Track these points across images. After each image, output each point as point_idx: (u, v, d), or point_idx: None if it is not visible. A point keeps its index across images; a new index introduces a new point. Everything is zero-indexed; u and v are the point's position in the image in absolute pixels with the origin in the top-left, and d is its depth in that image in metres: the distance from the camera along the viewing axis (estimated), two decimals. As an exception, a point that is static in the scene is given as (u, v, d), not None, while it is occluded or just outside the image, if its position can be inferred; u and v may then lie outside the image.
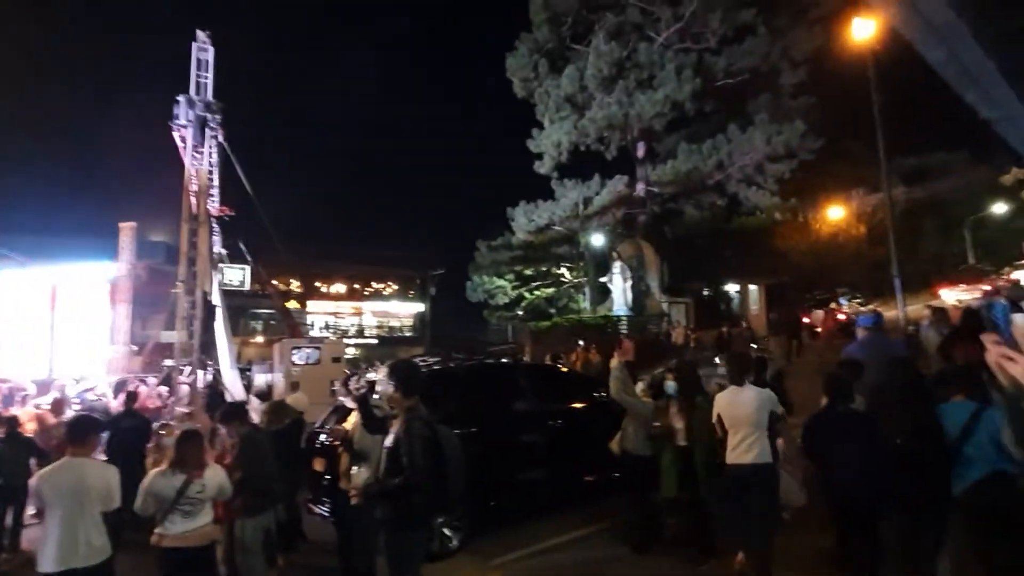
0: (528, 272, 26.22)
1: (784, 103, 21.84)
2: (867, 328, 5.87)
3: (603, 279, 22.11)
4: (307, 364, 12.39)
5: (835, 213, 27.05)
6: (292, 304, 36.35)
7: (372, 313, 42.77)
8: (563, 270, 26.49)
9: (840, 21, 15.51)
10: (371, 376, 10.74)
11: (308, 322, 37.98)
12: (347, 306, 41.80)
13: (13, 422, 6.13)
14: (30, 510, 5.79)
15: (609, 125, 21.70)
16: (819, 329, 18.20)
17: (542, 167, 23.88)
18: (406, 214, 60.82)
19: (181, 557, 3.65)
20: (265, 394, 10.14)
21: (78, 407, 8.87)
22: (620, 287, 20.67)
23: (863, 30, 10.90)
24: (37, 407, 7.89)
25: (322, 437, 5.91)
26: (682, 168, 21.73)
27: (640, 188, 23.21)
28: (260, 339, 31.08)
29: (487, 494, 5.58)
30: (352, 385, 7.23)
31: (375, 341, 40.80)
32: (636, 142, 23.22)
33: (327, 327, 39.85)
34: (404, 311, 43.64)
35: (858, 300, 23.01)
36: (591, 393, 7.08)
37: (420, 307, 43.39)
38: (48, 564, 3.28)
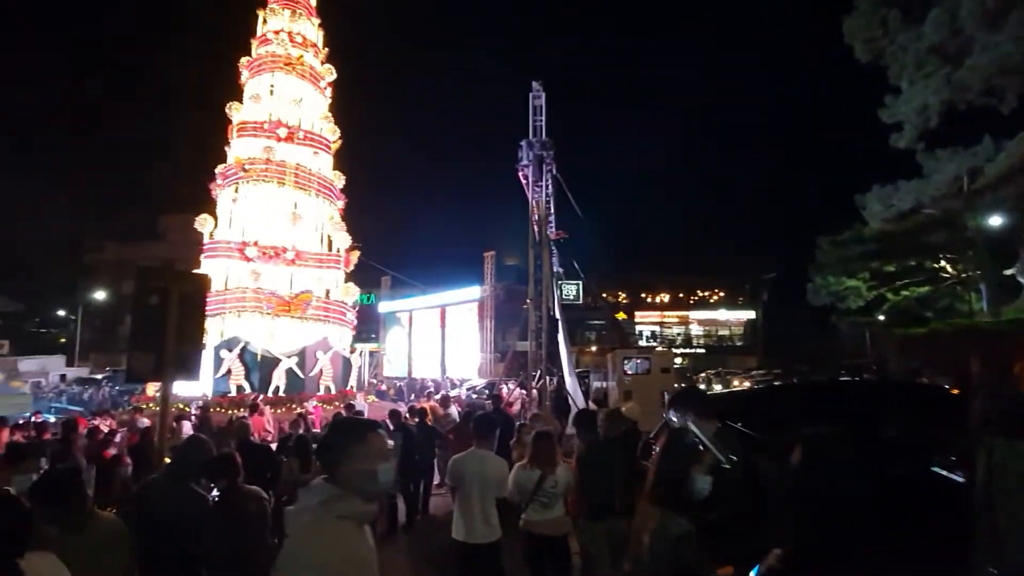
0: (889, 268, 21.67)
1: None
2: None
3: (1010, 271, 16.83)
4: (637, 374, 12.77)
5: None
6: (620, 315, 38.31)
7: (698, 322, 41.90)
8: (941, 263, 21.11)
9: None
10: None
11: (636, 332, 39.40)
12: (673, 315, 41.93)
13: (423, 413, 7.98)
14: (435, 481, 7.42)
15: (1002, 70, 16.58)
16: None
17: (901, 140, 19.64)
18: (732, 217, 57.85)
19: (541, 543, 4.13)
20: (601, 401, 10.91)
21: (461, 405, 11.11)
22: (1039, 280, 15.39)
23: None
24: (433, 400, 10.17)
25: (653, 448, 5.97)
26: None
27: (1067, 142, 16.99)
28: (594, 348, 33.54)
29: (829, 542, 4.74)
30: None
31: (702, 351, 39.76)
32: (1052, 83, 17.11)
33: (653, 336, 40.64)
34: (733, 319, 41.45)
35: None
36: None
37: (751, 314, 40.56)
38: (459, 534, 3.99)
